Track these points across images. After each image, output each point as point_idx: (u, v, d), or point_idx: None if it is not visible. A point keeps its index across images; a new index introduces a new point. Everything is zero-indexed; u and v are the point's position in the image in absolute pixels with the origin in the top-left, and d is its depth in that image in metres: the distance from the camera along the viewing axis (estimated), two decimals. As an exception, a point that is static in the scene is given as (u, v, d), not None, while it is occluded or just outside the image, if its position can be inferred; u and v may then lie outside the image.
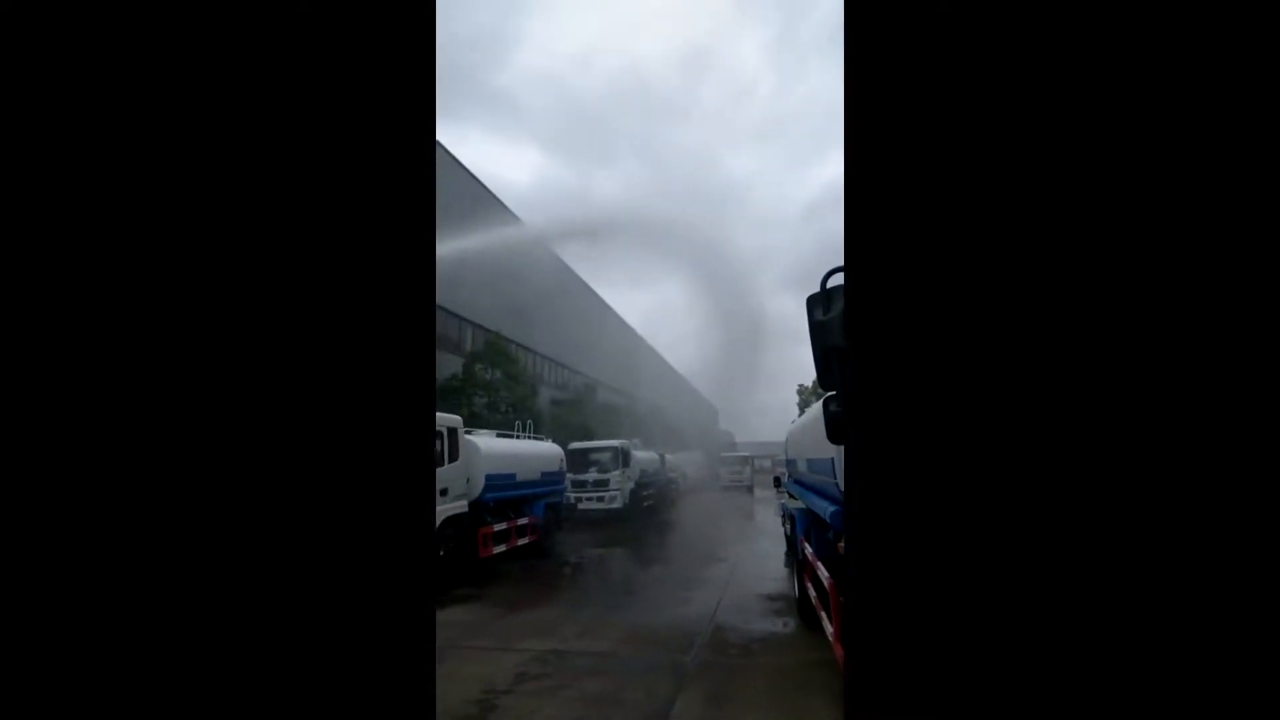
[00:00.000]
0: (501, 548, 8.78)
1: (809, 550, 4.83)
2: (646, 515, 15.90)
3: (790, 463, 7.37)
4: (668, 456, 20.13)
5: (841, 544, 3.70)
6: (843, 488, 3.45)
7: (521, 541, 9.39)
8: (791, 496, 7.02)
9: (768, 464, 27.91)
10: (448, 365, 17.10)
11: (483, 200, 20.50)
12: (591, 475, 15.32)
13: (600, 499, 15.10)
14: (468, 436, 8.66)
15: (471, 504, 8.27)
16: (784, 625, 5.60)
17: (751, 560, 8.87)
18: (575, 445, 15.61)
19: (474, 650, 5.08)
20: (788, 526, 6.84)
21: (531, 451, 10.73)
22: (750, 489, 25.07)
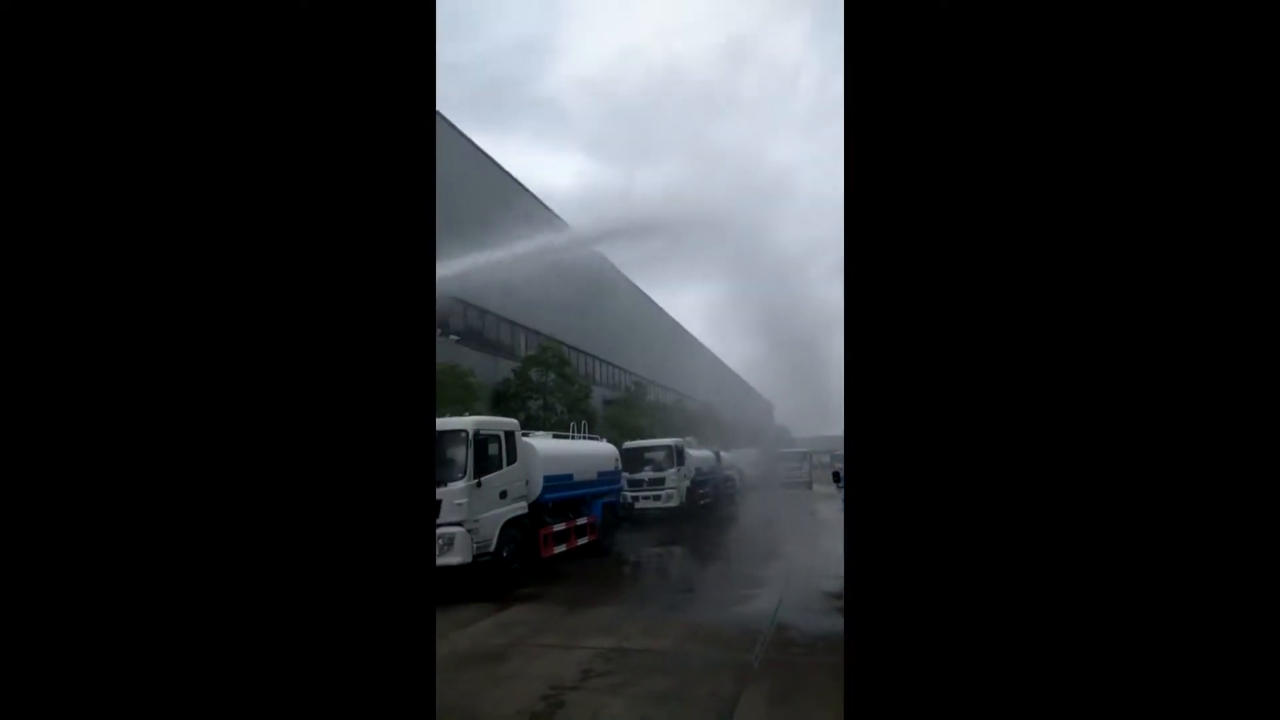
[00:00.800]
0: (562, 547, 8.95)
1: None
2: (704, 513, 15.83)
3: (849, 456, 7.18)
4: (723, 454, 19.99)
5: None
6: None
7: (581, 541, 9.54)
8: (852, 491, 6.84)
9: (826, 459, 27.27)
10: (503, 370, 17.57)
11: (533, 208, 20.94)
12: (647, 474, 15.39)
13: (656, 497, 15.15)
14: (525, 439, 8.87)
15: (531, 505, 8.46)
16: (850, 623, 5.47)
17: (813, 557, 8.70)
18: (630, 444, 15.72)
19: (540, 648, 5.21)
20: (849, 522, 6.67)
21: (587, 451, 10.88)
22: (809, 485, 24.58)
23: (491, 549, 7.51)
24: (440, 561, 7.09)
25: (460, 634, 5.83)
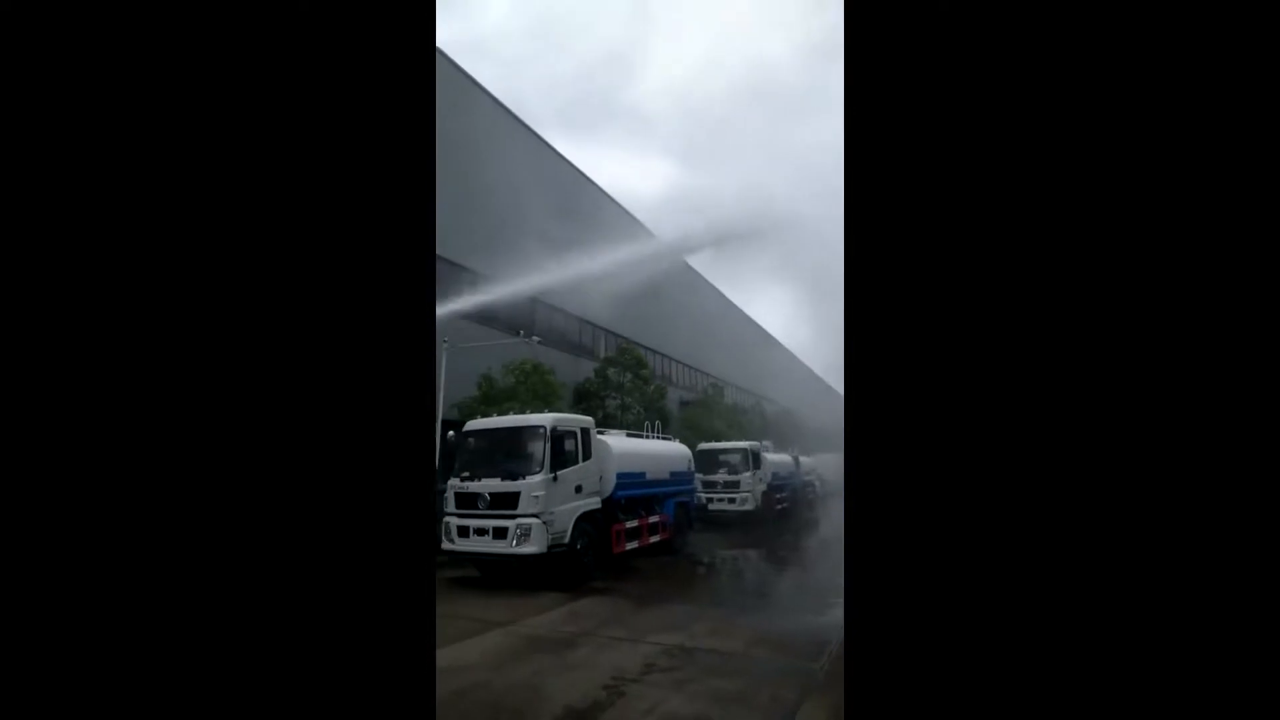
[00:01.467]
0: (634, 544, 9.09)
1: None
2: (781, 518, 15.48)
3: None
4: (803, 458, 19.43)
5: None
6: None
7: (653, 539, 9.64)
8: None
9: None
10: (584, 370, 18.07)
11: (616, 214, 21.39)
12: (721, 476, 15.27)
13: (731, 500, 15.00)
14: (599, 436, 9.09)
15: (604, 501, 8.67)
16: (929, 640, 5.19)
17: (894, 569, 8.28)
18: (704, 446, 15.66)
19: (607, 639, 5.34)
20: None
21: (660, 451, 10.98)
22: (896, 494, 23.27)
23: (566, 541, 7.77)
24: (517, 550, 7.43)
25: (534, 619, 6.09)
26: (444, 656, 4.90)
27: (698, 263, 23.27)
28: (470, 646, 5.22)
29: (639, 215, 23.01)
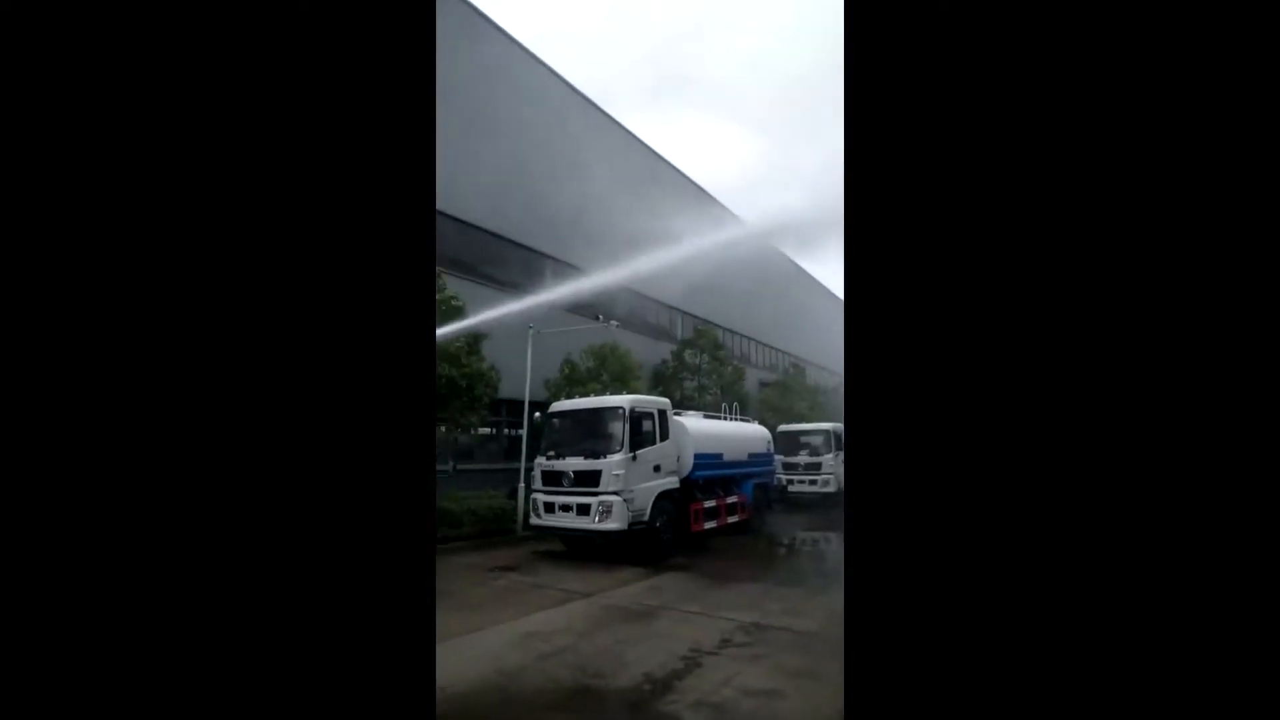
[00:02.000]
0: (712, 524, 9.25)
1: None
2: (865, 502, 15.04)
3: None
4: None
5: None
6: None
7: (731, 519, 9.76)
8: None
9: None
10: (661, 352, 18.28)
11: (696, 196, 21.26)
12: (802, 458, 15.07)
13: (812, 482, 14.80)
14: (676, 417, 9.28)
15: (683, 481, 8.87)
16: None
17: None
18: (785, 427, 15.49)
19: (685, 614, 5.57)
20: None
21: (738, 432, 11.01)
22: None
23: (646, 518, 8.07)
24: (600, 526, 7.82)
25: (616, 592, 6.43)
26: (533, 622, 5.32)
27: (781, 241, 22.64)
28: (557, 614, 5.63)
29: (720, 195, 22.69)
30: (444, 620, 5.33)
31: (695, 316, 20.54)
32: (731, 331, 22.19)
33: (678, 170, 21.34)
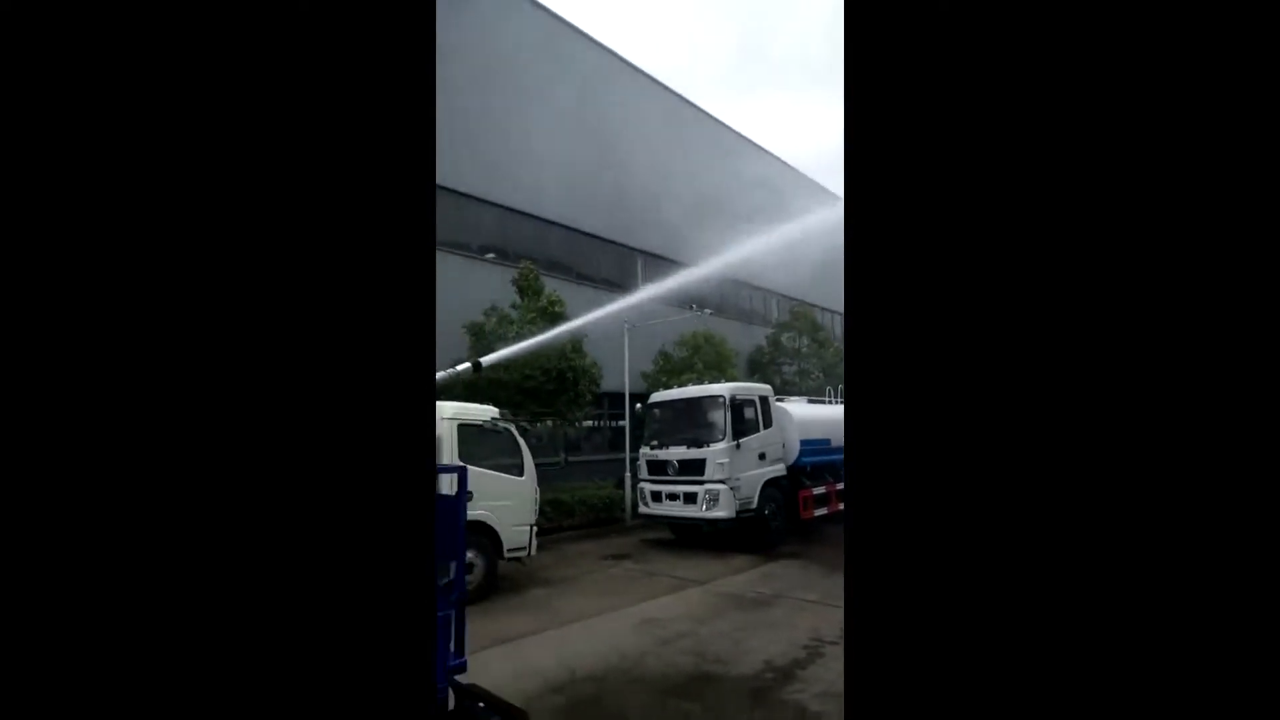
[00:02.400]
0: (823, 511, 8.99)
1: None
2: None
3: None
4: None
5: None
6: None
7: (842, 506, 9.43)
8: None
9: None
10: (755, 336, 17.92)
11: (779, 170, 20.63)
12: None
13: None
14: (779, 404, 9.08)
15: (790, 468, 8.68)
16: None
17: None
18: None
19: (802, 602, 5.47)
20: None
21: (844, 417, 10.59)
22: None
23: (753, 506, 7.99)
24: (708, 514, 7.84)
25: (729, 579, 6.44)
26: (650, 609, 5.45)
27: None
28: (672, 601, 5.72)
29: (816, 174, 21.85)
30: (567, 605, 5.61)
31: (789, 298, 19.91)
32: (831, 311, 21.29)
33: (768, 152, 20.72)
